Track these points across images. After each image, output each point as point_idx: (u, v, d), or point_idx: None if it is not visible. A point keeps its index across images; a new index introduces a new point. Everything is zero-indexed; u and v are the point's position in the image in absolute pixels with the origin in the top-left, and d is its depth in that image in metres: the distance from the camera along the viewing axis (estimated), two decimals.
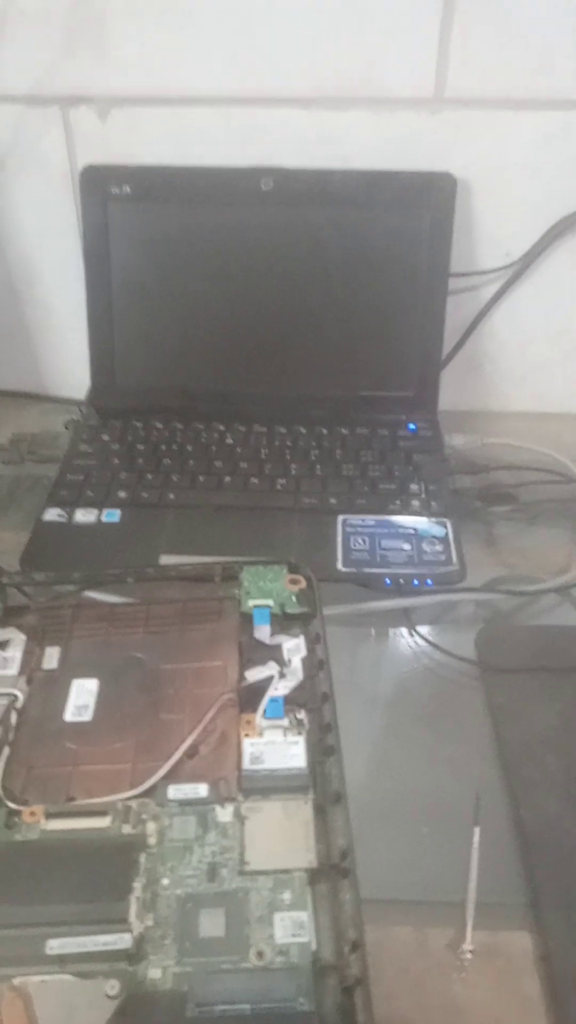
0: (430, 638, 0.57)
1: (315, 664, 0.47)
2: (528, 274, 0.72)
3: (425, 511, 0.62)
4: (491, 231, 0.70)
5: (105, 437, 0.70)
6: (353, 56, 0.63)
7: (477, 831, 0.44)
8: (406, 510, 0.63)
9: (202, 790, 0.41)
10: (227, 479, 0.65)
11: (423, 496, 0.64)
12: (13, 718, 0.45)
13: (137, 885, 0.37)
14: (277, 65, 0.64)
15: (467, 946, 0.39)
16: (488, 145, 0.66)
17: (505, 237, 0.71)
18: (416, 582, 0.58)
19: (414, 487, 0.65)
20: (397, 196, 0.67)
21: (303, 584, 0.51)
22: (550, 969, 0.39)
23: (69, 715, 0.46)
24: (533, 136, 0.66)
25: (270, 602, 0.50)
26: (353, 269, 0.69)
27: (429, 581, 0.58)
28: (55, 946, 0.35)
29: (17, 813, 0.40)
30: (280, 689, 0.45)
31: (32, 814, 0.40)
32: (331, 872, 0.38)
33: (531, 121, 0.65)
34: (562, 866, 0.42)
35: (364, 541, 0.60)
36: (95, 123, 0.67)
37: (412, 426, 0.71)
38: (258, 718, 0.44)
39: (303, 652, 0.48)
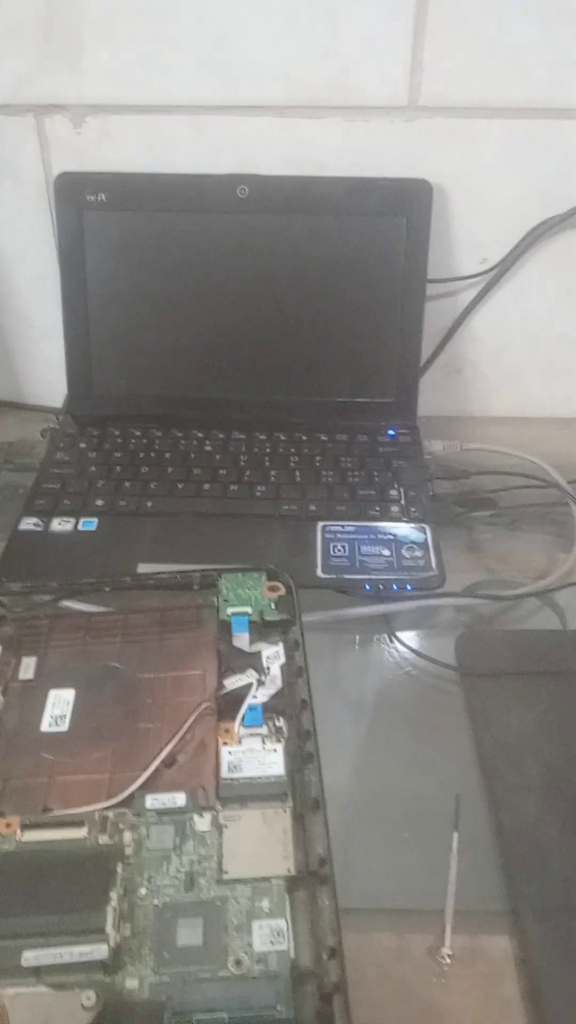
0: (410, 644, 0.57)
1: (294, 671, 0.47)
2: (505, 279, 0.73)
3: (404, 517, 0.63)
4: (468, 237, 0.71)
5: (82, 445, 0.70)
6: (327, 64, 0.64)
7: (456, 836, 0.44)
8: (386, 516, 0.63)
9: (180, 799, 0.40)
10: (206, 486, 0.65)
11: (402, 502, 0.64)
12: None
13: (114, 895, 0.37)
14: (251, 73, 0.64)
15: (446, 950, 0.39)
16: (463, 152, 0.67)
17: (482, 243, 0.71)
18: (396, 588, 0.58)
19: (393, 493, 0.65)
20: (374, 203, 0.67)
21: (282, 591, 0.51)
22: (529, 972, 0.39)
23: (45, 725, 0.45)
24: (507, 143, 0.66)
25: (249, 609, 0.50)
26: (330, 276, 0.69)
27: (409, 587, 0.58)
28: (31, 958, 0.34)
29: None
30: (259, 697, 0.45)
31: (8, 825, 0.40)
32: (309, 880, 0.37)
33: (505, 128, 0.66)
34: (540, 869, 0.42)
35: (344, 547, 0.60)
36: (70, 131, 0.67)
37: (391, 432, 0.72)
38: (237, 726, 0.44)
39: (282, 659, 0.47)
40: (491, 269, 0.72)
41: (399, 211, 0.67)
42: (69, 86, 0.65)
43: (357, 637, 0.58)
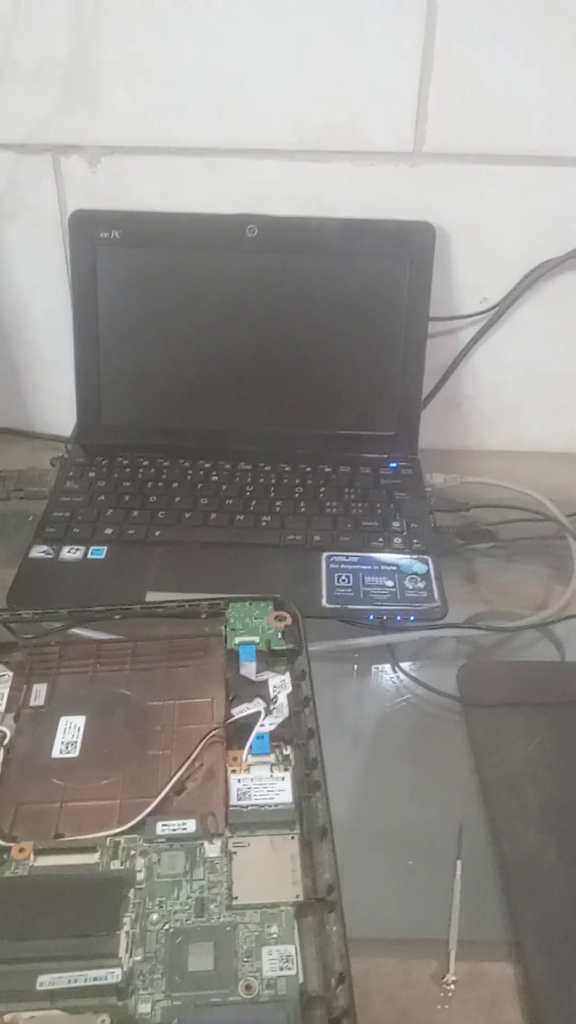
0: (413, 673, 0.58)
1: (301, 700, 0.48)
2: (504, 319, 0.75)
3: (407, 548, 0.64)
4: (469, 278, 0.73)
5: (91, 474, 0.71)
6: (336, 111, 0.66)
7: (459, 864, 0.45)
8: (388, 547, 0.64)
9: (190, 826, 0.41)
10: (213, 516, 0.66)
11: (405, 534, 0.65)
12: (0, 755, 0.45)
13: (126, 920, 0.37)
14: (262, 117, 0.66)
15: (451, 976, 0.40)
16: (465, 197, 0.69)
17: (482, 284, 0.73)
18: (399, 618, 0.59)
19: (396, 525, 0.66)
20: (378, 244, 0.69)
21: (288, 621, 0.52)
22: (531, 998, 0.39)
23: (57, 751, 0.46)
24: (508, 189, 0.68)
25: (256, 639, 0.51)
26: (336, 314, 0.71)
27: (412, 617, 0.59)
28: (45, 981, 0.35)
29: (6, 850, 0.40)
30: (266, 725, 0.46)
31: (21, 851, 0.40)
32: (317, 906, 0.38)
33: (506, 174, 0.68)
34: (542, 896, 0.43)
35: (348, 578, 0.61)
36: (85, 171, 0.69)
37: (393, 465, 0.73)
38: (245, 754, 0.45)
39: (289, 688, 0.48)
40: (491, 308, 0.74)
41: (403, 252, 0.69)
42: (85, 127, 0.67)
43: (355, 667, 0.59)
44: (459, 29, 0.62)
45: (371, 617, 0.59)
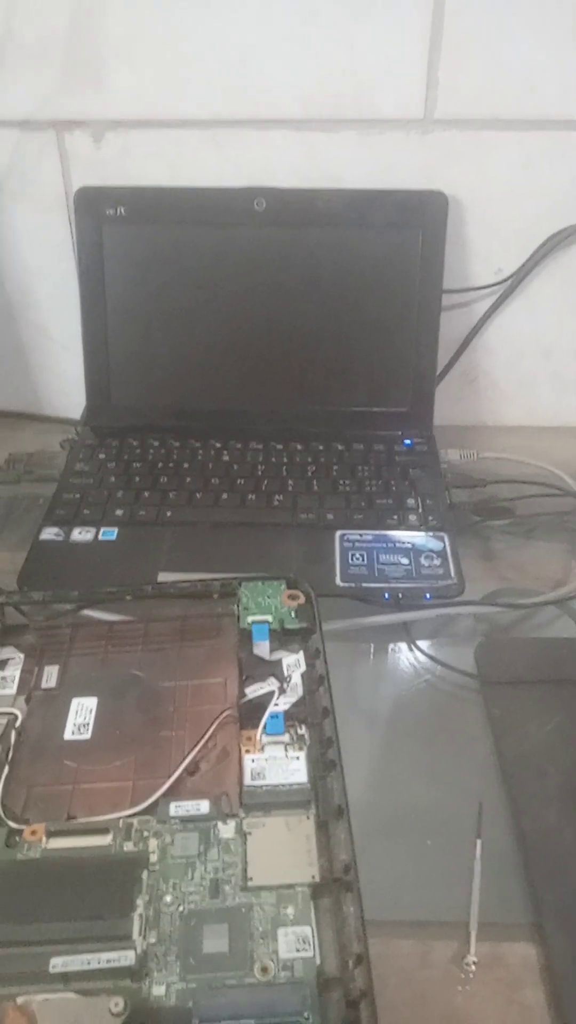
0: (429, 652, 0.57)
1: (315, 679, 0.47)
2: (520, 290, 0.73)
3: (422, 525, 0.63)
4: (483, 248, 0.71)
5: (101, 456, 0.70)
6: (344, 79, 0.64)
7: (479, 843, 0.44)
8: (403, 525, 0.63)
9: (204, 806, 0.41)
10: (224, 496, 0.65)
11: (420, 511, 0.64)
12: (12, 737, 0.45)
13: (140, 902, 0.37)
14: (268, 88, 0.65)
15: (471, 958, 0.39)
16: (478, 164, 0.67)
17: (496, 254, 0.72)
18: (415, 596, 0.58)
19: (411, 502, 0.65)
20: (389, 214, 0.67)
21: (302, 600, 0.51)
22: (552, 978, 0.39)
23: (69, 733, 0.45)
24: (521, 155, 0.67)
25: (269, 618, 0.50)
26: (347, 287, 0.70)
27: (427, 595, 0.58)
28: (59, 964, 0.34)
29: (18, 832, 0.40)
30: (280, 705, 0.45)
31: (33, 833, 0.40)
32: (334, 886, 0.37)
33: (519, 141, 0.66)
34: (563, 876, 0.42)
35: (362, 556, 0.60)
36: (90, 147, 0.68)
37: (408, 441, 0.72)
38: (259, 734, 0.44)
39: (303, 667, 0.48)
40: (506, 279, 0.72)
41: (415, 223, 0.68)
42: (90, 103, 0.66)
43: (373, 646, 0.58)
44: None
45: (386, 595, 0.58)
